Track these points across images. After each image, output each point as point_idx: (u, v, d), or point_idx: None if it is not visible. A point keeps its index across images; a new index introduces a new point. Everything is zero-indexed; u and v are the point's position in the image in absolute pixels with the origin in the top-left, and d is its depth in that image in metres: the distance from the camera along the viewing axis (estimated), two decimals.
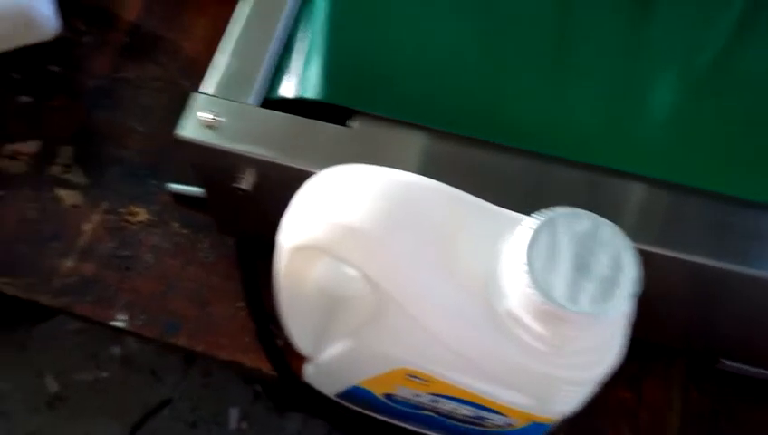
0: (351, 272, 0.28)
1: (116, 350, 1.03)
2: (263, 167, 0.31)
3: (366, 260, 0.23)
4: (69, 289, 0.39)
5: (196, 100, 0.31)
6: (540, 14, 0.34)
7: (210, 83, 0.32)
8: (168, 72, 0.45)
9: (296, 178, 0.30)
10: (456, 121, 0.31)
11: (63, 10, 0.44)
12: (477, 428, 0.29)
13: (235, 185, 0.31)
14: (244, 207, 0.35)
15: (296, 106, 0.32)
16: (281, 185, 0.31)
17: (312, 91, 0.32)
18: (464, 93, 0.32)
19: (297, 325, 0.31)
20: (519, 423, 0.27)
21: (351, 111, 0.31)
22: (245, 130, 0.31)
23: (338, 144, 0.30)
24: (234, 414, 0.99)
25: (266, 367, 0.38)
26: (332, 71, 0.32)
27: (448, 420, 0.30)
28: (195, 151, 0.31)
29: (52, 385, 1.01)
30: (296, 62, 0.33)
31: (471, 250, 0.23)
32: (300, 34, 0.34)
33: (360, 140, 0.31)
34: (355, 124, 0.31)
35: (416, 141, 0.31)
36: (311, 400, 0.36)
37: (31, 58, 0.45)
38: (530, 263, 0.21)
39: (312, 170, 0.30)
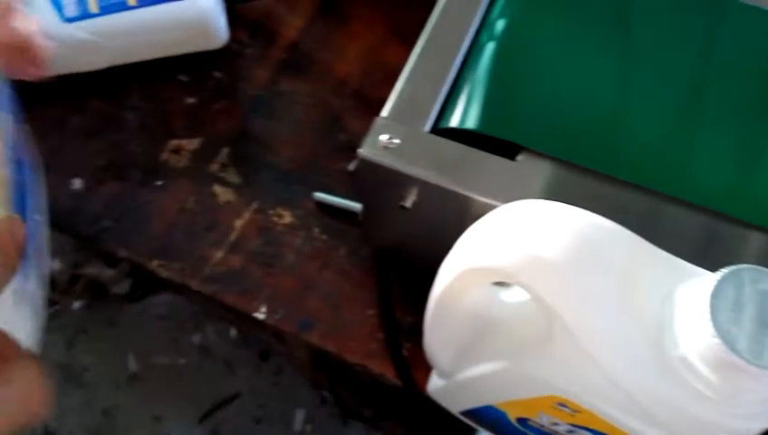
0: (512, 299, 0.30)
1: (196, 338, 1.08)
2: (427, 189, 0.33)
3: (550, 289, 0.25)
4: (218, 278, 0.42)
5: (378, 123, 0.34)
6: (688, 70, 0.36)
7: (389, 109, 0.34)
8: (319, 90, 0.48)
9: (456, 203, 0.33)
10: (606, 162, 0.33)
11: (231, 23, 0.48)
12: None
13: (401, 203, 0.33)
14: (398, 223, 0.37)
15: (462, 136, 0.34)
16: (440, 207, 0.34)
17: (472, 122, 0.34)
18: (612, 135, 0.34)
19: (442, 343, 0.33)
20: None
21: (520, 147, 0.33)
22: (416, 154, 0.33)
23: (502, 175, 0.33)
24: (299, 416, 1.01)
25: (390, 374, 0.40)
26: (492, 106, 0.35)
27: None
28: (369, 168, 0.33)
29: (133, 364, 1.07)
30: (464, 96, 0.35)
31: (647, 294, 0.25)
32: (469, 72, 0.36)
33: (522, 174, 0.33)
34: (521, 158, 0.33)
35: (575, 179, 0.32)
36: (428, 412, 0.38)
37: (198, 63, 0.49)
38: (713, 313, 0.22)
39: (474, 197, 0.32)
